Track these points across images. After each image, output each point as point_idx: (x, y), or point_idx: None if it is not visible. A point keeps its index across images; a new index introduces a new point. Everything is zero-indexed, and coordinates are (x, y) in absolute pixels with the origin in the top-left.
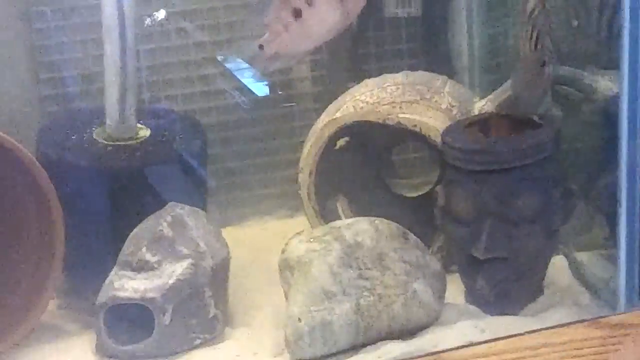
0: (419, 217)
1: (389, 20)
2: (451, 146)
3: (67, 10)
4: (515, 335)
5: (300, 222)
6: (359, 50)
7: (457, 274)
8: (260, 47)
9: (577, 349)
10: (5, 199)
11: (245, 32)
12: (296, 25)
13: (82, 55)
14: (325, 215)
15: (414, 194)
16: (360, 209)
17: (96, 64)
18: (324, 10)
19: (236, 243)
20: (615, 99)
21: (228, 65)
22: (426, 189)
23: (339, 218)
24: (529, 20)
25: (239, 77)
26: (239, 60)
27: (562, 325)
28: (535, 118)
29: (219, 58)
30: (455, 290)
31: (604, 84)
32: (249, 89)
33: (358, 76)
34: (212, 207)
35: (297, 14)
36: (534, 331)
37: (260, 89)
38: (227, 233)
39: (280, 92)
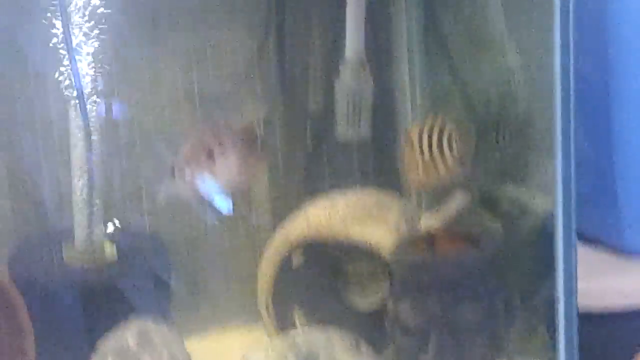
0: (372, 329)
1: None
2: (399, 262)
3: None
4: None
5: (259, 332)
6: (312, 171)
7: None
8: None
9: None
10: None
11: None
12: (205, 167)
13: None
14: (283, 325)
15: (367, 307)
16: (315, 320)
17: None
18: (232, 161)
19: (198, 354)
20: (550, 216)
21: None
22: (376, 303)
23: (296, 327)
24: None
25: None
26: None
27: None
28: (477, 234)
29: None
30: None
31: (539, 201)
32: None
33: (312, 195)
34: (175, 317)
35: (210, 155)
36: None
37: (220, 206)
38: (189, 344)
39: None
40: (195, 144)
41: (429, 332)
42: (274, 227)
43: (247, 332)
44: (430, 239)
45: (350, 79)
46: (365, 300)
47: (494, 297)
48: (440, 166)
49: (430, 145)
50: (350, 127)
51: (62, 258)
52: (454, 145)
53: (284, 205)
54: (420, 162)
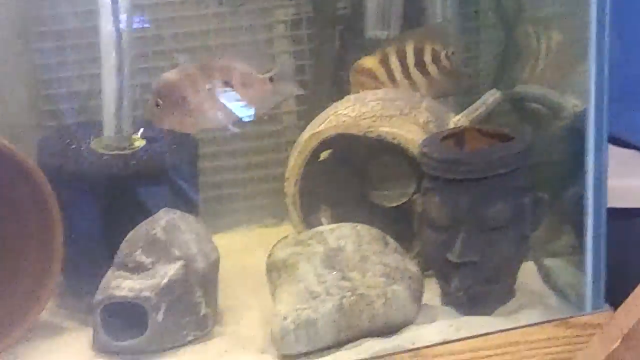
0: (397, 226)
1: (370, 42)
2: (429, 157)
3: (65, 31)
4: (488, 334)
5: (285, 229)
6: (341, 71)
7: (433, 278)
8: (157, 104)
9: (547, 346)
10: (6, 203)
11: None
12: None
13: (79, 73)
14: (309, 223)
15: (392, 204)
16: (341, 218)
17: (93, 82)
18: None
19: (225, 248)
20: (581, 116)
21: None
22: (403, 200)
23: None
24: None
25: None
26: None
27: (533, 325)
28: (508, 132)
29: None
30: (431, 293)
31: (571, 101)
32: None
33: (340, 94)
34: (202, 215)
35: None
36: (506, 330)
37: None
38: (216, 239)
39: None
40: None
41: (457, 229)
42: (302, 128)
43: (274, 231)
44: (460, 135)
45: None
46: (391, 196)
47: (523, 196)
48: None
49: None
50: (380, 26)
51: (91, 148)
52: (442, 61)
53: (312, 106)
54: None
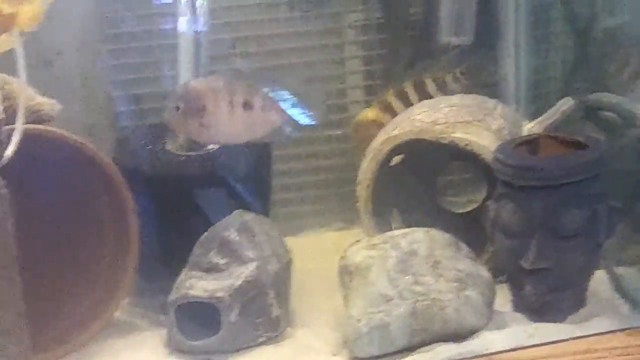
0: (466, 232)
1: (442, 47)
2: (504, 163)
3: (140, 33)
4: (561, 341)
5: (354, 234)
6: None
7: (505, 284)
8: (177, 108)
9: (620, 355)
10: (84, 202)
11: None
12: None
13: (153, 75)
14: (380, 227)
15: (462, 210)
16: (411, 223)
17: (167, 84)
18: (259, 116)
19: (296, 251)
20: None
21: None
22: (472, 206)
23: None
24: None
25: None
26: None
27: (605, 333)
28: (582, 140)
29: None
30: (502, 299)
31: None
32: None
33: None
34: (273, 218)
35: (243, 107)
36: (578, 337)
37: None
38: (287, 241)
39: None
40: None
41: (531, 235)
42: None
43: (343, 235)
44: (534, 143)
45: None
46: (461, 202)
47: (597, 204)
48: None
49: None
50: (454, 32)
51: (166, 149)
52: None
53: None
54: None
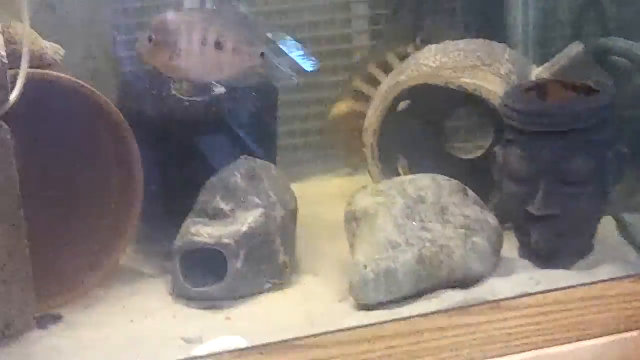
0: (473, 178)
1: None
2: (512, 108)
3: None
4: (568, 288)
5: (360, 180)
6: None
7: (512, 231)
8: (150, 39)
9: (626, 302)
10: (88, 148)
11: None
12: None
13: None
14: (387, 173)
15: (469, 156)
16: (419, 169)
17: None
18: (229, 57)
19: (302, 197)
20: None
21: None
22: (480, 152)
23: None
24: None
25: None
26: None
27: (612, 280)
28: (592, 85)
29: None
30: (510, 245)
31: None
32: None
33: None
34: (279, 164)
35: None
36: (585, 284)
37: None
38: (294, 188)
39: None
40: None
41: (539, 182)
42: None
43: (352, 181)
44: (543, 88)
45: None
46: (468, 148)
47: (606, 150)
48: None
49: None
50: None
51: (171, 92)
52: None
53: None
54: None
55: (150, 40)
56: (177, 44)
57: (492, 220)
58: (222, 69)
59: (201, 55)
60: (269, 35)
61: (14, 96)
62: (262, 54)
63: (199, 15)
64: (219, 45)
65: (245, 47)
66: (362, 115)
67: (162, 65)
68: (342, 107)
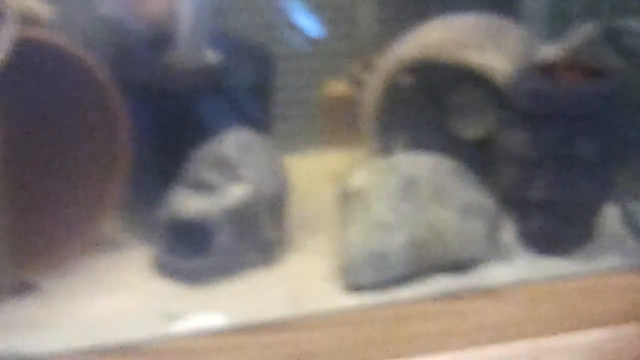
0: (474, 160)
1: None
2: (517, 88)
3: None
4: (566, 276)
5: (356, 156)
6: None
7: (511, 215)
8: None
9: (625, 293)
10: (75, 113)
11: None
12: None
13: None
14: (384, 150)
15: (471, 136)
16: (417, 147)
17: None
18: None
19: (295, 172)
20: None
21: None
22: (482, 131)
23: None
24: None
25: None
26: None
27: (610, 270)
28: (601, 68)
29: None
30: (508, 230)
31: None
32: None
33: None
34: (273, 136)
35: None
36: (583, 273)
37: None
38: (287, 160)
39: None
40: None
41: (540, 166)
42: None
43: (347, 155)
44: (551, 68)
45: None
46: (472, 127)
47: (612, 135)
48: None
49: None
50: None
51: (165, 62)
52: None
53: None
54: None
55: None
56: None
57: (490, 204)
58: None
59: None
60: None
61: None
62: None
63: None
64: None
65: None
66: (354, 101)
67: None
68: (335, 89)
